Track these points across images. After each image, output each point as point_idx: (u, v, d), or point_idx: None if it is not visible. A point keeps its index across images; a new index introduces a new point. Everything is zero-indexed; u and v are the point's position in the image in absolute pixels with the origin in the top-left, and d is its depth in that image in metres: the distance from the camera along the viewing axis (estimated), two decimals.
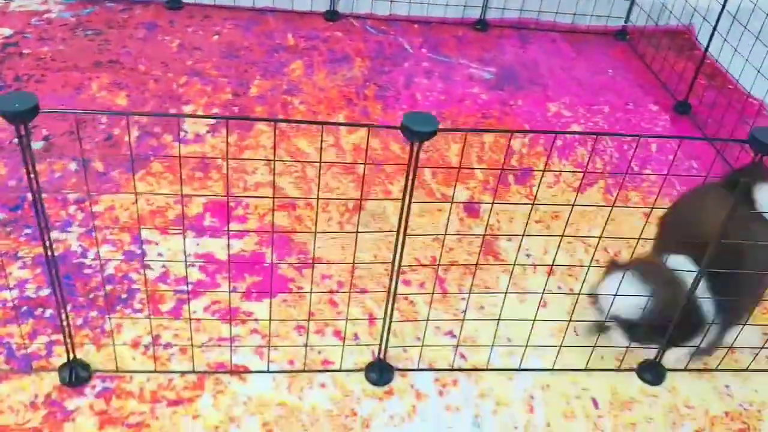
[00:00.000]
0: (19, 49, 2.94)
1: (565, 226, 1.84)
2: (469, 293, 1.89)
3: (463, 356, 1.94)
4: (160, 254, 2.11)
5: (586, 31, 3.67)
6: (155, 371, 1.79)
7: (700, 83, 3.16)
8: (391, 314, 1.75)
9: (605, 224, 1.80)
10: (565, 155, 2.78)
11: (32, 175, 1.39)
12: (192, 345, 1.82)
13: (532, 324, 1.87)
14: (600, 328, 1.88)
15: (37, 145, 2.44)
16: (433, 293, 1.97)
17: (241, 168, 2.46)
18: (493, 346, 1.91)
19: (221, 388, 1.78)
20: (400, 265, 1.66)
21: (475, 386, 1.87)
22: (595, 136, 3.00)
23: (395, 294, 1.70)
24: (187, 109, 2.72)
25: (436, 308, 2.07)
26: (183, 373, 1.80)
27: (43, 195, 1.45)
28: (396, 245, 1.61)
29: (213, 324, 1.94)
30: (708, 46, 3.06)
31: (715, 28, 2.98)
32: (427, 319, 1.90)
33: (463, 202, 2.45)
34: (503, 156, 2.70)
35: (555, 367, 1.93)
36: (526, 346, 1.90)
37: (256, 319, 1.96)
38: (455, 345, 1.94)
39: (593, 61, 3.44)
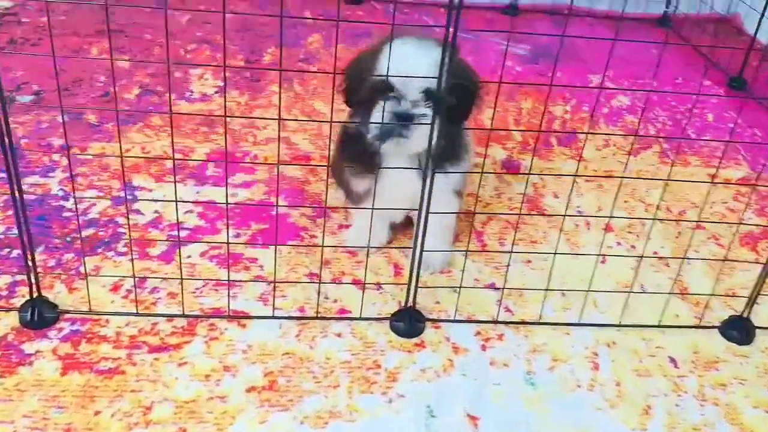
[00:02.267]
0: (17, 18, 2.75)
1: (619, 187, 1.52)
2: (512, 247, 1.57)
3: (508, 309, 1.61)
4: (153, 201, 1.83)
5: (625, 17, 3.42)
6: (137, 314, 1.48)
7: (751, 65, 2.87)
8: (421, 253, 1.44)
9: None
10: (613, 122, 2.49)
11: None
12: (182, 288, 1.51)
13: (591, 277, 1.55)
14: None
15: (25, 98, 2.20)
16: (468, 243, 1.65)
17: (250, 123, 2.20)
18: (547, 291, 1.58)
19: (215, 335, 1.46)
20: (429, 200, 1.37)
21: (525, 341, 1.53)
22: (644, 97, 2.71)
23: (425, 229, 1.40)
24: (195, 73, 2.48)
25: (475, 260, 1.75)
26: (170, 317, 1.49)
27: (24, 141, 1.18)
28: (424, 182, 1.33)
29: (210, 269, 1.63)
30: (756, 32, 2.80)
31: (762, 15, 2.72)
32: (463, 270, 1.58)
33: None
34: (542, 121, 2.42)
35: (622, 323, 1.59)
36: (589, 290, 1.57)
37: (260, 266, 1.65)
38: (499, 300, 1.61)
39: (639, 43, 3.18)
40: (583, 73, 2.80)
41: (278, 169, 1.36)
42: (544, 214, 1.95)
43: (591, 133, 2.27)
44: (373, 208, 1.49)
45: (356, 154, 1.59)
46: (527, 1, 3.38)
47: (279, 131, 1.35)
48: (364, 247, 1.60)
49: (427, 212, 1.39)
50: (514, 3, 3.35)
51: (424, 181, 1.37)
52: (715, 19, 3.39)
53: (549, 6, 3.39)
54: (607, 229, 1.91)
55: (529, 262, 1.76)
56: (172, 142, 1.42)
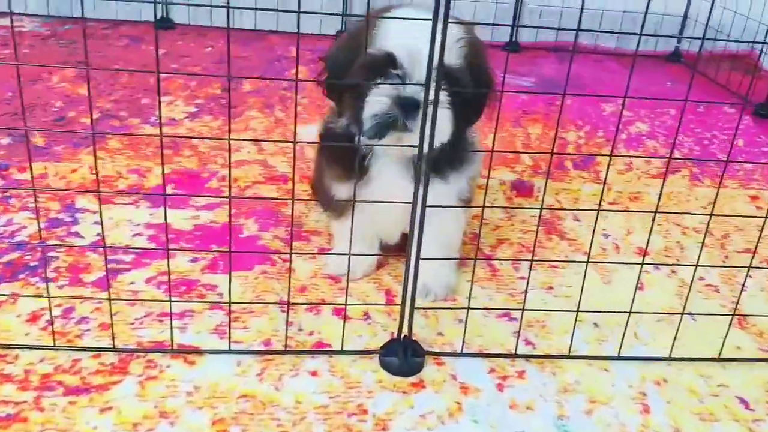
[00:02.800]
0: None
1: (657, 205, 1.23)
2: (531, 263, 1.26)
3: (529, 342, 1.28)
4: (96, 223, 1.53)
5: (634, 54, 3.21)
6: (54, 347, 1.16)
7: None
8: (416, 270, 1.14)
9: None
10: (634, 147, 2.21)
11: None
12: (110, 311, 1.19)
13: (631, 307, 1.23)
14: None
15: None
16: (475, 259, 1.36)
17: (222, 146, 1.92)
18: (577, 318, 1.26)
19: (154, 373, 1.13)
20: (424, 206, 1.08)
21: (553, 379, 1.20)
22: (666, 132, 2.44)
23: (419, 243, 1.10)
24: (165, 99, 2.23)
25: (484, 286, 1.43)
26: (97, 351, 1.16)
27: None
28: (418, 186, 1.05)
29: (157, 298, 1.32)
30: None
31: None
32: (469, 296, 1.26)
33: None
34: (554, 146, 2.14)
35: (673, 356, 1.26)
36: (630, 312, 1.25)
37: (220, 294, 1.34)
38: (516, 330, 1.29)
39: (648, 76, 2.95)
40: (596, 102, 2.55)
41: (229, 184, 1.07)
42: (565, 238, 1.64)
43: (616, 156, 2.00)
44: (353, 216, 1.19)
45: (338, 155, 1.30)
46: (529, 38, 3.18)
47: (230, 151, 1.07)
48: (347, 273, 1.29)
49: (424, 204, 1.09)
50: (514, 39, 3.14)
51: (419, 185, 1.08)
52: (730, 56, 3.18)
53: (552, 43, 3.19)
54: (641, 252, 1.61)
55: (551, 288, 1.45)
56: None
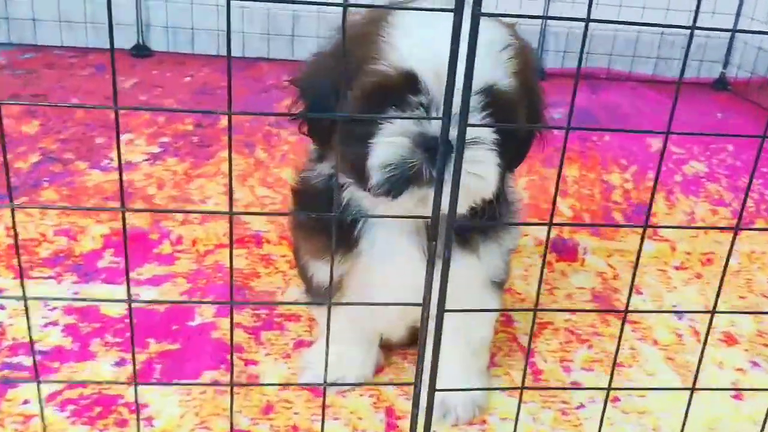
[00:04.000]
0: None
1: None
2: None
3: None
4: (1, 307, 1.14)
5: (674, 81, 2.82)
6: None
7: None
8: (433, 390, 0.74)
9: None
10: (693, 192, 1.81)
11: None
12: None
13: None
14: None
15: None
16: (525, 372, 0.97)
17: (184, 196, 1.54)
18: None
19: None
20: (443, 306, 0.69)
21: None
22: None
23: (437, 348, 0.71)
24: (124, 137, 1.86)
25: (526, 401, 1.03)
26: None
27: None
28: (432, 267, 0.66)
29: (59, 426, 0.92)
30: None
31: None
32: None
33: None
34: (598, 191, 1.75)
35: None
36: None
37: (149, 418, 0.94)
38: None
39: (693, 105, 2.57)
40: (639, 138, 2.16)
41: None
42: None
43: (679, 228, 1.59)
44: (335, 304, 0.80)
45: (317, 220, 0.91)
46: (555, 64, 2.81)
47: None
48: (331, 385, 0.89)
49: (444, 298, 0.70)
50: (540, 66, 2.77)
51: (433, 265, 0.69)
52: None
53: (582, 70, 2.80)
54: (729, 340, 1.20)
55: (616, 400, 1.04)
56: None
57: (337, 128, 0.74)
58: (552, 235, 1.46)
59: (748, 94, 2.72)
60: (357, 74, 0.79)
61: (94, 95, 2.17)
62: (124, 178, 1.63)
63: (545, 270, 1.20)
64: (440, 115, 0.68)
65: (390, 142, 0.76)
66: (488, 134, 0.78)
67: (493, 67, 0.77)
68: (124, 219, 0.67)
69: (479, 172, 0.77)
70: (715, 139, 2.21)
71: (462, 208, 0.79)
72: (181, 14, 2.65)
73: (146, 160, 1.74)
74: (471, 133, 0.73)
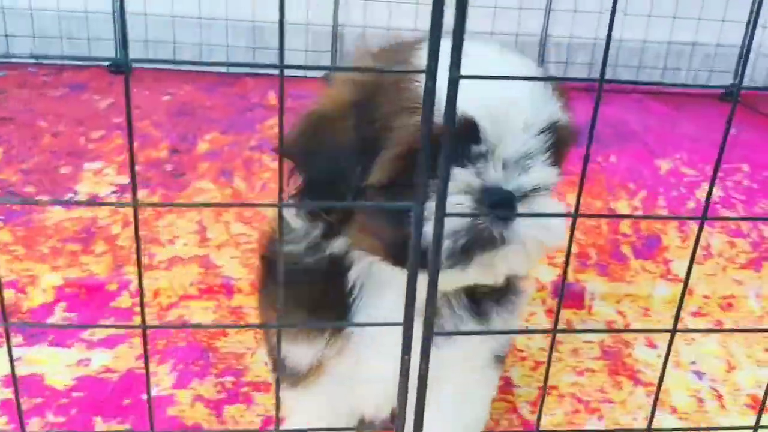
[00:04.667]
0: None
1: None
2: None
3: None
4: None
5: (681, 93, 2.69)
6: None
7: None
8: None
9: None
10: (708, 222, 1.67)
11: None
12: None
13: None
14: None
15: None
16: None
17: (151, 237, 1.40)
18: None
19: None
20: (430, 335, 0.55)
21: None
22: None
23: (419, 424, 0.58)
24: (91, 167, 1.72)
25: None
26: None
27: None
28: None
29: None
30: None
31: None
32: None
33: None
34: (605, 221, 1.61)
35: None
36: None
37: None
38: None
39: (703, 119, 2.42)
40: (648, 159, 2.02)
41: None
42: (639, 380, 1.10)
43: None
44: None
45: (303, 295, 0.77)
46: (556, 74, 2.66)
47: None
48: None
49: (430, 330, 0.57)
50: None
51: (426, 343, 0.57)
52: None
53: (584, 83, 2.67)
54: (757, 404, 1.06)
55: None
56: None
57: (364, 198, 0.64)
58: (554, 276, 1.33)
59: (759, 106, 2.58)
60: (386, 130, 0.66)
61: (64, 118, 2.03)
62: (88, 214, 1.49)
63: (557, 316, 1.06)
64: (499, 162, 0.64)
65: (454, 205, 0.64)
66: (553, 178, 0.68)
67: (550, 102, 0.67)
68: (136, 214, 0.53)
69: (549, 225, 0.68)
70: (729, 159, 2.07)
71: (524, 270, 0.73)
72: (162, 28, 2.52)
73: (114, 192, 1.61)
74: (533, 179, 0.66)
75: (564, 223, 0.70)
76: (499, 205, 0.64)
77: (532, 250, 0.67)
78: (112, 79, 2.45)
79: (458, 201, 0.65)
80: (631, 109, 2.50)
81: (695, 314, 1.30)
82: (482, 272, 0.68)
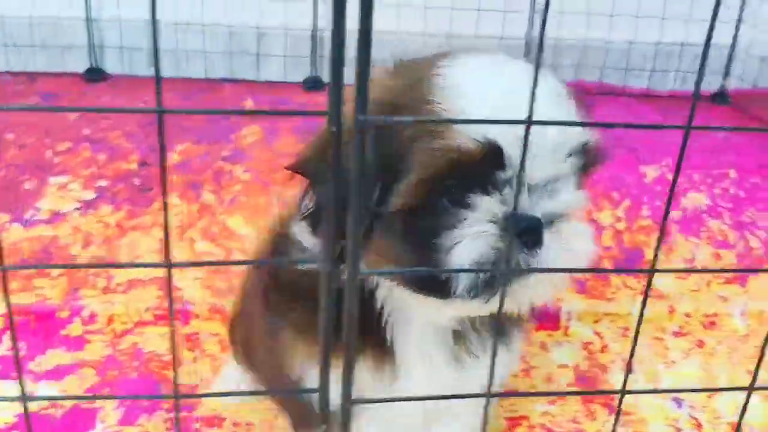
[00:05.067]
0: None
1: None
2: None
3: None
4: None
5: (670, 96, 2.63)
6: None
7: None
8: None
9: None
10: (693, 231, 1.62)
11: None
12: None
13: None
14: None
15: None
16: None
17: (112, 255, 1.35)
18: None
19: None
20: None
21: None
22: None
23: None
24: (56, 181, 1.67)
25: None
26: None
27: None
28: None
29: None
30: None
31: None
32: None
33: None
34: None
35: None
36: None
37: None
38: None
39: (691, 122, 2.36)
40: (633, 166, 1.96)
41: None
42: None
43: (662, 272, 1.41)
44: None
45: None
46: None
47: None
48: None
49: None
50: None
51: None
52: None
53: (572, 83, 2.61)
54: None
55: None
56: None
57: (383, 224, 0.62)
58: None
59: (750, 108, 2.53)
60: (409, 153, 0.63)
61: (32, 129, 1.98)
62: (49, 233, 1.44)
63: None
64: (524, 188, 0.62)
65: (479, 234, 0.62)
66: (581, 201, 0.66)
67: (579, 129, 0.65)
68: (170, 275, 0.48)
69: (579, 249, 0.65)
70: (717, 164, 2.02)
71: (550, 296, 0.69)
72: (137, 34, 2.46)
73: (77, 209, 1.55)
74: (561, 204, 0.63)
75: (591, 246, 0.66)
76: (526, 232, 0.62)
77: (558, 278, 0.62)
78: (87, 88, 2.39)
79: (483, 229, 0.62)
80: (619, 112, 2.44)
81: (677, 334, 1.25)
82: (506, 302, 0.64)
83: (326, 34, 2.51)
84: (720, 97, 2.65)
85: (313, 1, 2.37)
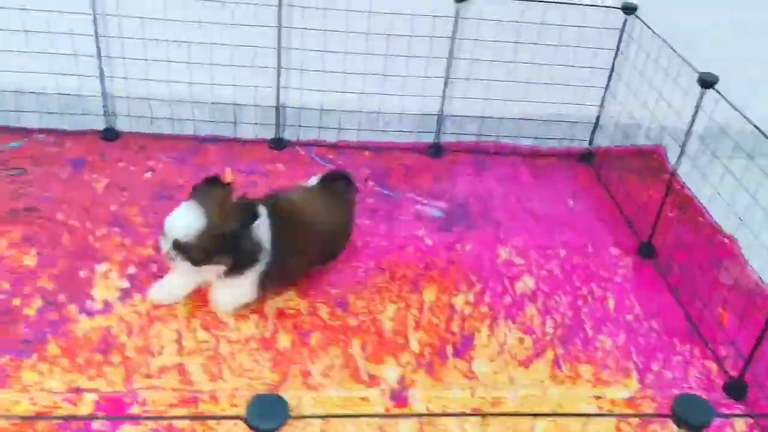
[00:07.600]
0: None
1: None
2: None
3: None
4: None
5: (549, 153, 3.46)
6: None
7: (666, 216, 2.91)
8: None
9: None
10: (512, 315, 2.52)
11: None
12: None
13: None
14: (168, 257, 2.12)
15: None
16: None
17: (146, 347, 2.22)
18: None
19: None
20: None
21: None
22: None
23: None
24: (101, 268, 2.49)
25: None
26: None
27: None
28: None
29: None
30: (676, 169, 2.81)
31: (682, 151, 2.74)
32: None
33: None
34: (444, 320, 2.45)
35: None
36: None
37: None
38: None
39: (553, 189, 3.20)
40: (493, 245, 2.82)
41: None
42: None
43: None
44: None
45: None
46: (452, 138, 3.40)
47: None
48: None
49: None
50: (437, 141, 3.37)
51: None
52: (640, 152, 3.43)
53: (473, 145, 3.41)
54: None
55: None
56: None
57: None
58: (396, 379, 2.17)
59: (603, 169, 3.36)
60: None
61: (73, 205, 2.72)
62: (103, 324, 2.29)
63: None
64: None
65: None
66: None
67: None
68: None
69: None
70: (551, 241, 2.87)
71: None
72: (143, 104, 3.16)
73: (119, 297, 2.37)
74: None
75: None
76: None
77: None
78: (104, 149, 3.11)
79: None
80: (503, 178, 3.26)
81: (475, 410, 2.17)
82: None
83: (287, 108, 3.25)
84: (586, 156, 3.48)
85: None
